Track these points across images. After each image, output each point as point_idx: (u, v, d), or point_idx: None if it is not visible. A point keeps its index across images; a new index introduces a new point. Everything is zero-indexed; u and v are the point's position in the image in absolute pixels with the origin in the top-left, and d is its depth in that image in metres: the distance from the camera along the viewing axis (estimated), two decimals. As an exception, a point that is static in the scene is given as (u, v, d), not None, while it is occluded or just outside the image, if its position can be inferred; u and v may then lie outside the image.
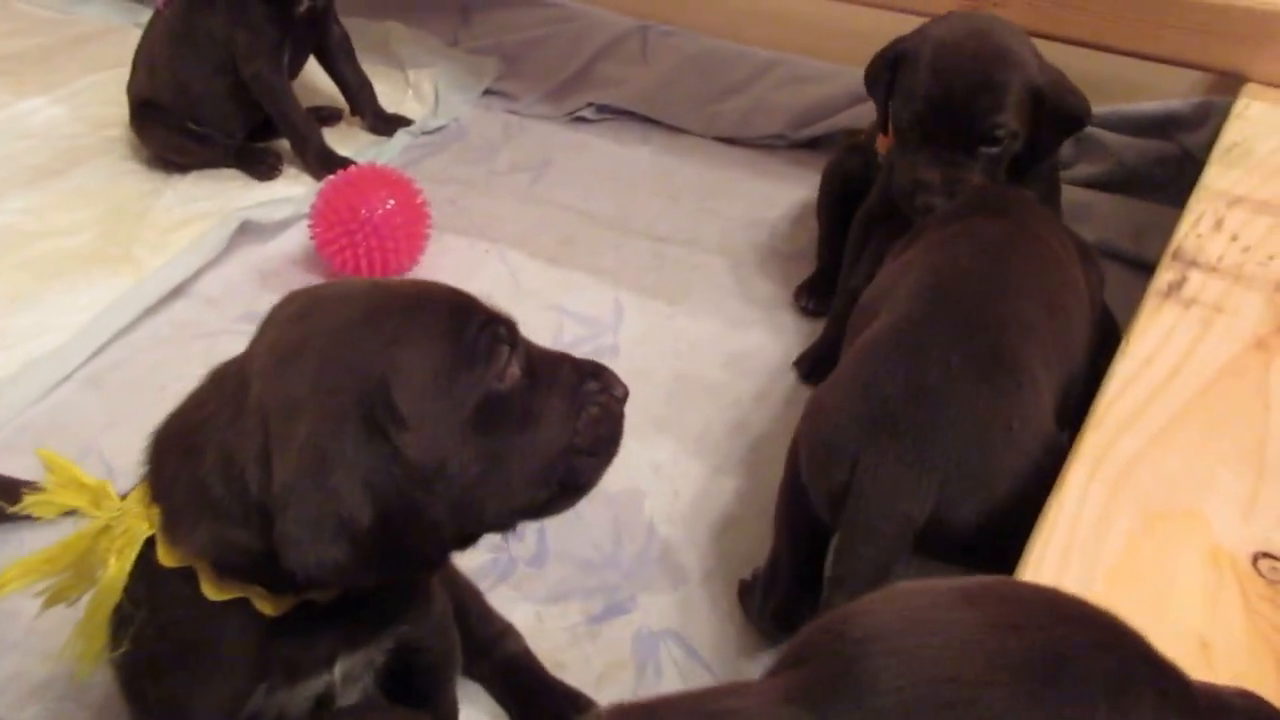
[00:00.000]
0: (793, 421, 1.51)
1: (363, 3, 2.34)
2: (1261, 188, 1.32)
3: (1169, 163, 1.86)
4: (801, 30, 2.12)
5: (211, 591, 0.83)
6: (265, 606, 0.84)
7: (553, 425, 0.85)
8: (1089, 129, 1.90)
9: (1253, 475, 0.97)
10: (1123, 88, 1.92)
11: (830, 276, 1.69)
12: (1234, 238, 1.24)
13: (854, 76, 1.63)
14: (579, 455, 0.87)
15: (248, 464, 0.77)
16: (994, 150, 1.37)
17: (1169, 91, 1.89)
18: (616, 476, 1.46)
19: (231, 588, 0.83)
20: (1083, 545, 0.92)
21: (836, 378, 1.15)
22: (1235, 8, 1.48)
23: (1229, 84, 1.79)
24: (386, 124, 2.14)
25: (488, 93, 2.26)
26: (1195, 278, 1.18)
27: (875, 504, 1.03)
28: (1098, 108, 1.91)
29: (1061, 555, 0.91)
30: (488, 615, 1.22)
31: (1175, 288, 1.17)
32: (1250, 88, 1.51)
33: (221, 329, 1.70)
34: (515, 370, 0.83)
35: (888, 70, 1.45)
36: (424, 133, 2.15)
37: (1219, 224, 1.26)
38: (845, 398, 1.10)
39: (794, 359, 1.63)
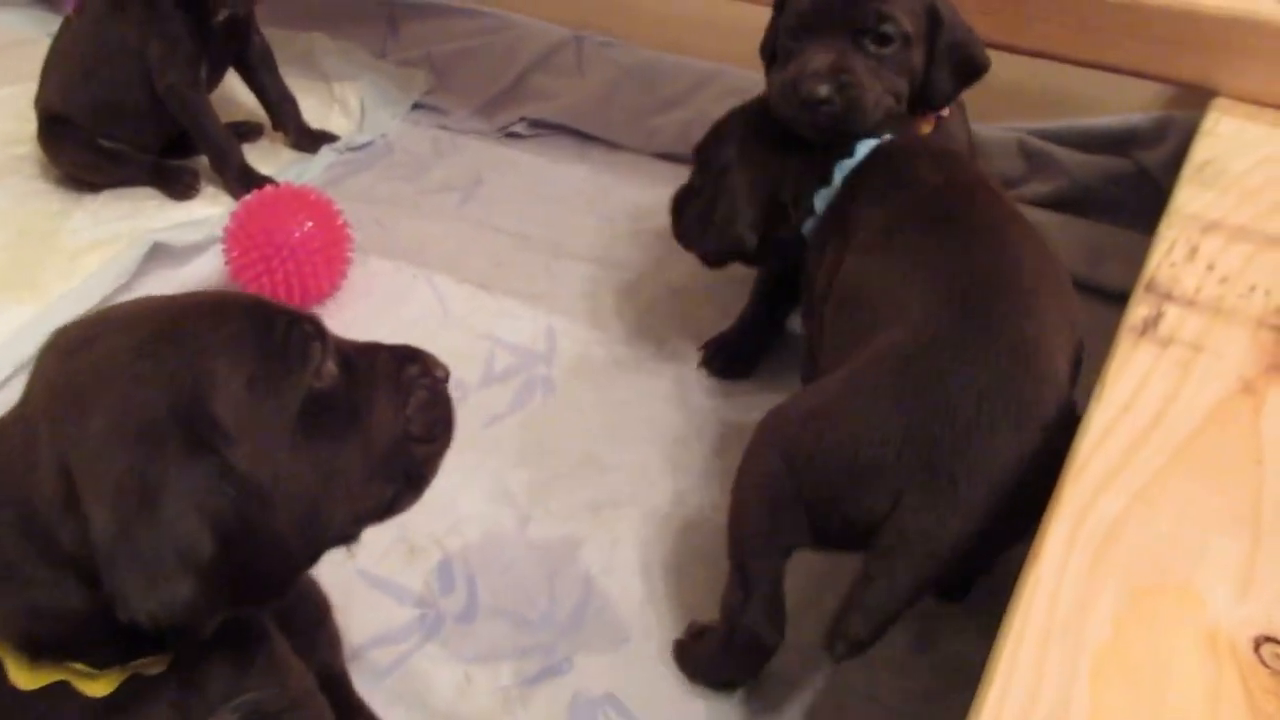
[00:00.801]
0: (737, 457, 1.39)
1: (286, 12, 2.18)
2: (1237, 211, 1.19)
3: (1125, 181, 1.75)
4: (743, 40, 1.96)
5: (24, 679, 0.72)
6: (89, 687, 0.73)
7: (383, 416, 0.81)
8: (1041, 144, 1.80)
9: (1248, 540, 0.84)
10: (1076, 102, 1.81)
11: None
12: (1210, 267, 1.11)
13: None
14: (416, 443, 0.83)
15: (52, 516, 0.68)
16: (885, 50, 1.25)
17: (1124, 106, 1.78)
18: (551, 521, 1.35)
19: (47, 671, 0.72)
20: (1063, 628, 0.78)
21: (855, 386, 1.02)
22: (1203, 17, 1.35)
23: (1189, 98, 1.68)
24: (310, 140, 1.99)
25: (417, 107, 2.11)
26: (1171, 313, 1.05)
27: (925, 553, 0.96)
28: (1051, 123, 1.83)
29: (1040, 642, 0.77)
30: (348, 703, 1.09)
31: (1150, 324, 1.04)
32: (1219, 102, 1.38)
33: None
34: (331, 367, 0.78)
35: (777, 7, 1.36)
36: (350, 149, 2.00)
37: (1193, 252, 1.13)
38: (876, 415, 0.99)
39: (703, 356, 1.54)
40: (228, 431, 0.70)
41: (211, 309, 0.75)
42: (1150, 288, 1.09)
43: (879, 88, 1.25)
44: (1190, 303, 1.07)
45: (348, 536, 0.81)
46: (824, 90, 1.22)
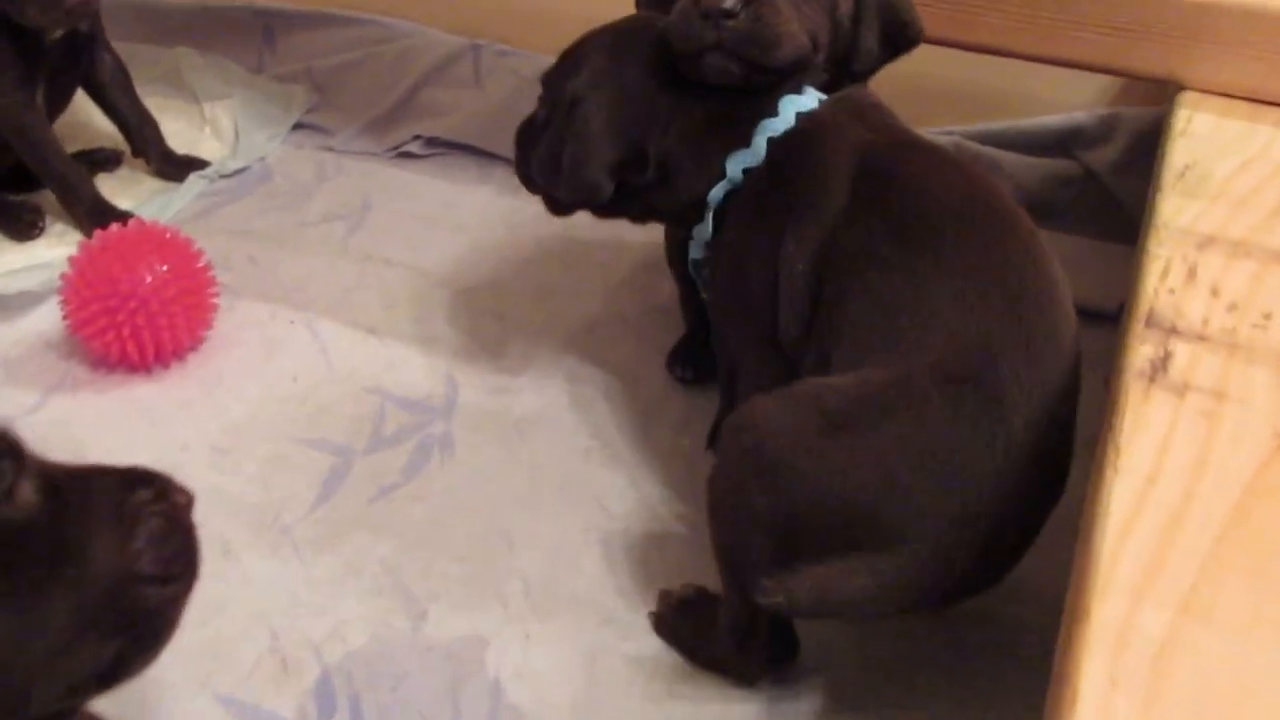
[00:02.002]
0: (671, 527, 1.17)
1: (148, 26, 1.90)
2: (1232, 222, 0.99)
3: (1072, 184, 1.56)
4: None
5: None
6: None
7: (101, 552, 0.65)
8: (979, 148, 1.61)
9: (1328, 658, 0.63)
10: (1013, 100, 1.62)
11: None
12: (1215, 292, 0.90)
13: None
14: (147, 585, 0.67)
15: None
16: None
17: (1065, 103, 1.60)
18: (452, 616, 1.04)
19: None
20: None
21: (889, 403, 0.85)
22: (1167, 3, 1.16)
23: (1136, 92, 1.51)
24: (176, 167, 1.70)
25: (298, 127, 1.84)
26: (1181, 351, 0.84)
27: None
28: (988, 124, 1.64)
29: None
30: None
31: (1159, 367, 0.83)
32: (1188, 96, 1.18)
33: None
34: (28, 492, 0.62)
35: None
36: (222, 176, 1.72)
37: (1192, 274, 0.92)
38: (920, 441, 0.84)
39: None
40: None
41: None
42: (1151, 321, 0.88)
43: (794, 20, 1.02)
44: (1200, 337, 0.86)
45: (63, 713, 0.66)
46: (729, 1, 0.99)
